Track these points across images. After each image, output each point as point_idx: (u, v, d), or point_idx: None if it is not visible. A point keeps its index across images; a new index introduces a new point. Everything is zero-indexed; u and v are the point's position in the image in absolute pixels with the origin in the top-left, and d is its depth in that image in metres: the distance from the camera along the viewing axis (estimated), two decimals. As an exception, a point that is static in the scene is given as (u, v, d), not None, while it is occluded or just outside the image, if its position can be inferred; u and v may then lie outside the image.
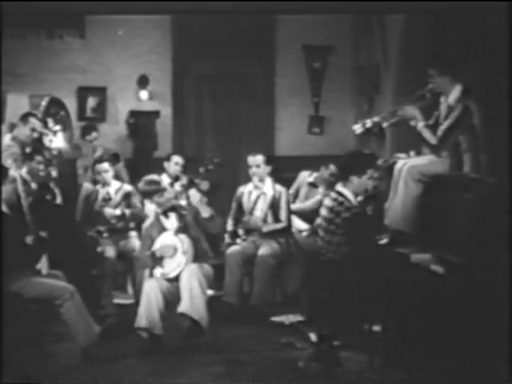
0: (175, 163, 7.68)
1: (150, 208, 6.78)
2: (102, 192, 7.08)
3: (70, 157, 7.93)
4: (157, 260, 5.84)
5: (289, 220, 6.89)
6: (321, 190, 7.36)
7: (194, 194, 5.87)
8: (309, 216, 7.14)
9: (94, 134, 8.40)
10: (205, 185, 7.27)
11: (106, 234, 6.85)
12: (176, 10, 6.70)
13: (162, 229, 5.93)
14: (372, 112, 8.60)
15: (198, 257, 5.87)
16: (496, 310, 4.61)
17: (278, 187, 6.92)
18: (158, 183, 6.00)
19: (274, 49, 9.31)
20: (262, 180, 6.92)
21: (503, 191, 4.82)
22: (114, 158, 7.55)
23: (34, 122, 7.17)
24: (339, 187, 5.79)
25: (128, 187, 7.20)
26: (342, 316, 5.46)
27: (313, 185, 7.49)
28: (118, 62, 9.13)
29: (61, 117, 7.86)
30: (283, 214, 6.85)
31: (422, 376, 4.76)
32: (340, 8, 5.79)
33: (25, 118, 7.23)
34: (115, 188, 7.11)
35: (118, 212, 6.95)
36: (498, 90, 5.15)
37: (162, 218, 5.96)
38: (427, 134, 5.55)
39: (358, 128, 5.92)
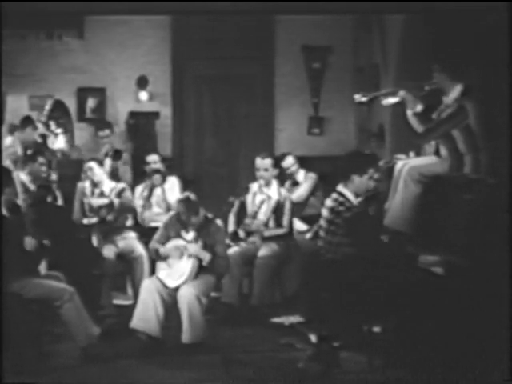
0: (154, 162, 7.46)
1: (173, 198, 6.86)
2: (96, 192, 7.02)
3: (72, 158, 7.96)
4: (160, 257, 5.83)
5: (290, 226, 6.88)
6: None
7: (192, 247, 5.78)
8: (309, 218, 7.14)
9: (106, 131, 8.32)
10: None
11: (93, 220, 6.80)
12: (175, 11, 6.71)
13: (179, 231, 5.91)
14: (372, 112, 8.61)
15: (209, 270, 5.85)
16: (496, 310, 4.61)
17: (284, 192, 6.91)
18: (193, 204, 5.86)
19: (274, 49, 9.30)
20: (268, 183, 6.90)
21: (503, 191, 4.82)
22: (115, 155, 7.54)
23: (41, 127, 7.22)
24: (340, 188, 5.78)
25: (122, 184, 7.16)
26: (342, 317, 5.45)
27: (295, 183, 7.51)
28: (118, 63, 9.13)
29: (63, 121, 7.90)
30: (285, 220, 6.84)
31: (421, 377, 4.75)
32: (339, 8, 5.79)
33: (31, 122, 7.25)
34: (110, 187, 7.05)
35: (105, 200, 6.90)
36: (497, 90, 5.15)
37: (183, 231, 5.93)
38: (414, 122, 5.54)
39: (358, 97, 5.89)
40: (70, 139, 8.05)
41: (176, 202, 6.07)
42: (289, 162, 7.49)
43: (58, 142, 7.59)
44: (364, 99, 5.87)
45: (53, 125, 7.61)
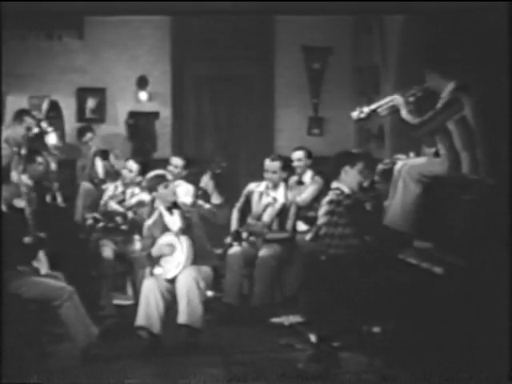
0: (175, 166, 7.53)
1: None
2: (118, 189, 6.99)
3: (68, 157, 7.97)
4: (154, 260, 5.83)
5: (293, 231, 6.85)
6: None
7: (207, 181, 5.78)
8: (310, 219, 7.13)
9: (88, 135, 8.47)
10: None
11: (102, 223, 6.77)
12: (175, 11, 6.71)
13: (165, 229, 5.91)
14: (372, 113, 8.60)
15: (199, 258, 5.85)
16: (496, 310, 4.61)
17: (291, 197, 6.87)
18: (162, 176, 5.97)
19: (274, 50, 9.31)
20: (275, 186, 6.88)
21: (502, 191, 4.82)
22: (102, 155, 7.57)
23: (29, 120, 7.21)
24: (335, 184, 5.77)
25: (145, 196, 7.02)
26: (342, 317, 5.46)
27: (300, 183, 7.47)
28: (118, 63, 9.14)
29: (54, 120, 7.95)
30: (289, 224, 6.80)
31: (421, 377, 4.75)
32: (339, 8, 5.79)
33: (19, 116, 7.27)
34: (131, 190, 7.00)
35: (121, 209, 6.88)
36: (497, 90, 5.16)
37: (166, 214, 5.92)
38: (409, 117, 5.56)
39: (355, 115, 5.90)
40: (61, 137, 8.09)
41: (147, 180, 6.07)
42: (297, 155, 7.40)
43: (50, 139, 7.62)
44: (363, 115, 5.88)
45: (44, 123, 7.65)
